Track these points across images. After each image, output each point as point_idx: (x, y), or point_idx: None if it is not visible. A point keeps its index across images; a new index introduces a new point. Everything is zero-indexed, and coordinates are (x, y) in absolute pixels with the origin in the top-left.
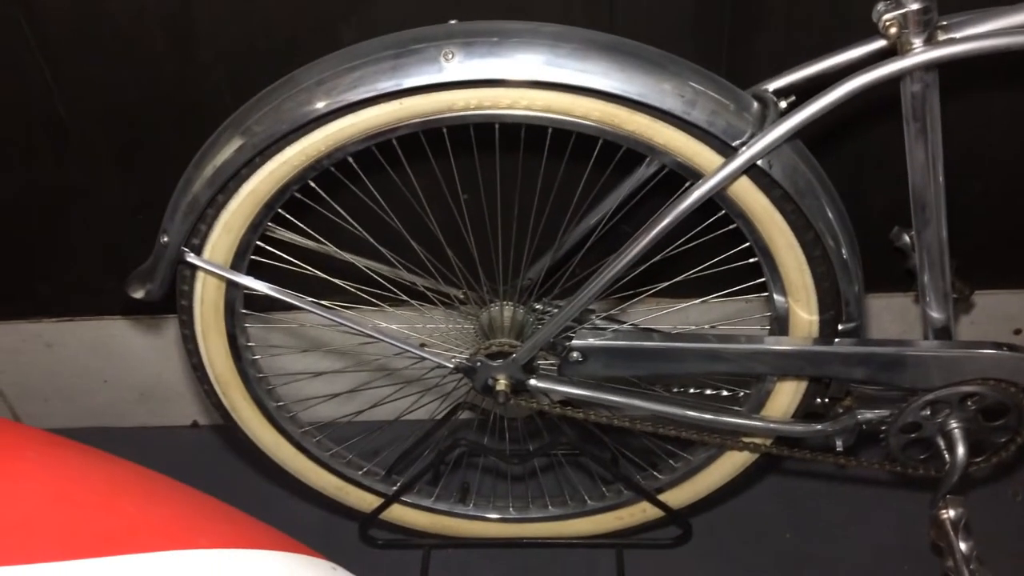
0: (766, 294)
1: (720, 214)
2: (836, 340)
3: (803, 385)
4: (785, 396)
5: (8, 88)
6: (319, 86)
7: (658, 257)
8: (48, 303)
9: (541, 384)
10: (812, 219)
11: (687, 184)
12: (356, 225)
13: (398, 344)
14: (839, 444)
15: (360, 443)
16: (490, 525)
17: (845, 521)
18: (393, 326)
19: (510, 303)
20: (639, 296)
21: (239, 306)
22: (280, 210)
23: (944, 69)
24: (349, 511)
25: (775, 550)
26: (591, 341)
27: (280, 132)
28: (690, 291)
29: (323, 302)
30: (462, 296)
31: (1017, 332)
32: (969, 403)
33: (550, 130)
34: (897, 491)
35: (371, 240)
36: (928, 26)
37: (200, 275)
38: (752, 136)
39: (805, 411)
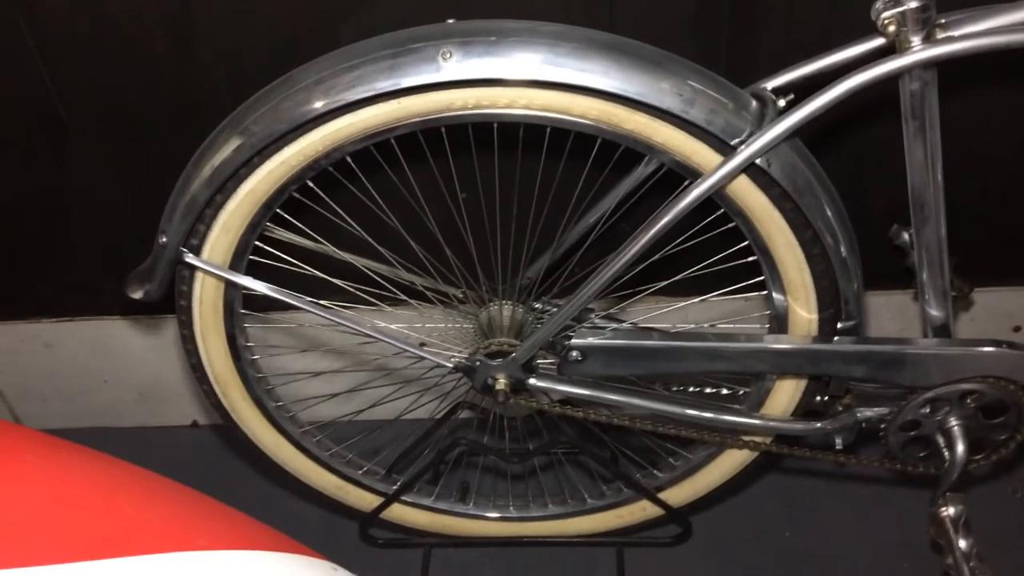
0: (765, 292)
1: (719, 213)
2: (835, 338)
3: (802, 383)
4: (784, 394)
5: (8, 88)
6: (317, 85)
7: (657, 256)
8: (47, 303)
9: (540, 383)
10: (811, 217)
11: (686, 183)
12: (355, 225)
13: (397, 344)
14: (839, 442)
15: (360, 442)
16: (490, 524)
17: (845, 519)
18: (392, 326)
19: (509, 302)
20: (638, 295)
21: (238, 306)
22: (279, 210)
23: (943, 67)
24: (349, 511)
25: (775, 548)
26: (590, 340)
27: (278, 132)
28: (689, 290)
29: (322, 302)
30: (461, 295)
31: (1016, 329)
32: (969, 401)
33: (548, 129)
34: (897, 489)
35: (370, 240)
36: (927, 24)
37: (199, 275)
38: (751, 135)
39: (805, 409)
